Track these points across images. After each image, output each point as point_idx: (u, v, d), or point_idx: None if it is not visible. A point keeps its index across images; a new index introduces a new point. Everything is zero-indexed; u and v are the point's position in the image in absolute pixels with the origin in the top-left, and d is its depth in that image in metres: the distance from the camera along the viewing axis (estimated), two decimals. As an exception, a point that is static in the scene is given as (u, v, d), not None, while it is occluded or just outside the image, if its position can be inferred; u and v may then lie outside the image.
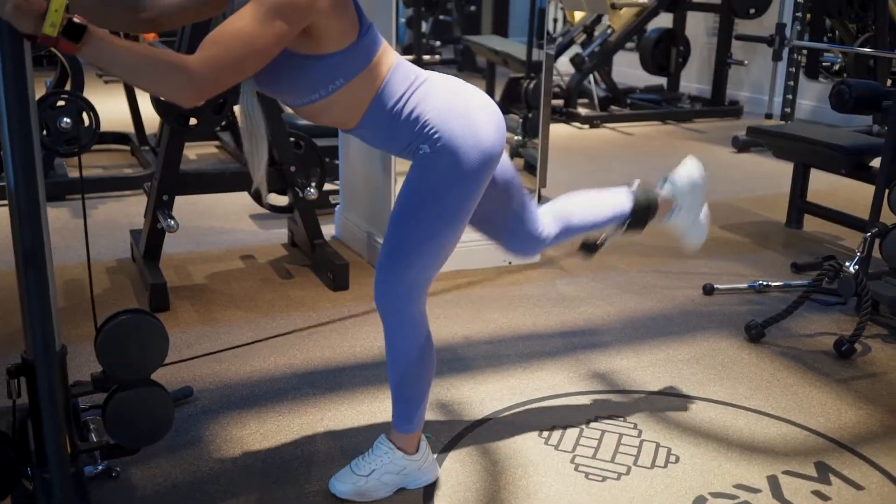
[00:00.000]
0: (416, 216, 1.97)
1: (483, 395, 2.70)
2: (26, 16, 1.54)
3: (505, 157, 2.15)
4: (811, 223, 4.51)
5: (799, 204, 4.46)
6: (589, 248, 2.59)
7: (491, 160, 1.98)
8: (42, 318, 1.76)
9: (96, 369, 2.07)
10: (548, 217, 2.34)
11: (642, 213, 2.44)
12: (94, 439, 2.19)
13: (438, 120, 1.93)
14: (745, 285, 3.62)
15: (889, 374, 2.91)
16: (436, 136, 1.92)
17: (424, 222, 1.97)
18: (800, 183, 4.43)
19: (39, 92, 3.13)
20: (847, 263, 3.13)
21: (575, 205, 2.41)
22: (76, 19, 1.56)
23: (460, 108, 1.96)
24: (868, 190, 3.55)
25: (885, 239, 3.13)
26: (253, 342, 2.99)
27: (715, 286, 3.58)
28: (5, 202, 2.09)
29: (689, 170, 2.53)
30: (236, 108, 4.98)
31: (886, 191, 3.24)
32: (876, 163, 3.69)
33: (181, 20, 2.05)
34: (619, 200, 2.44)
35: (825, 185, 4.87)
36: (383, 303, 2.05)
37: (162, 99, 3.33)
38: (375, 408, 2.60)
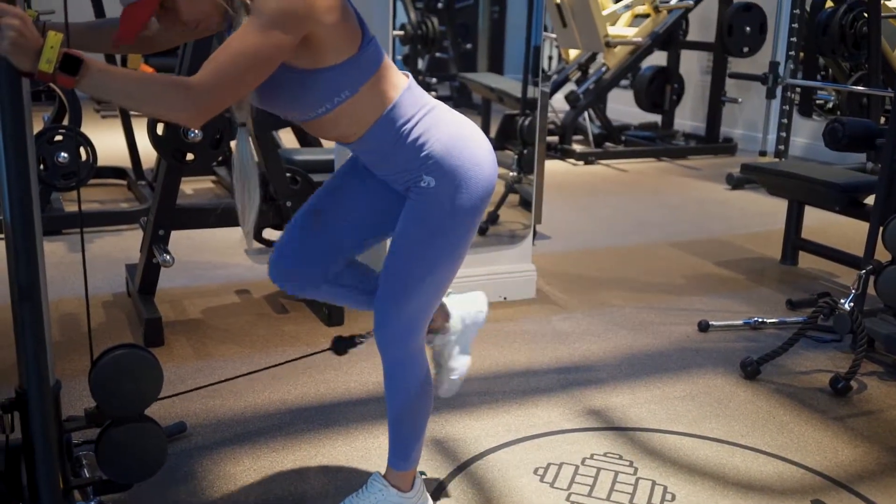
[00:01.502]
0: (417, 250, 1.96)
1: (478, 432, 2.68)
2: (23, 53, 1.54)
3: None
4: (806, 260, 4.52)
5: (793, 241, 4.48)
6: (339, 345, 2.45)
7: (489, 195, 1.99)
8: (36, 353, 1.76)
9: (90, 404, 2.06)
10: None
11: None
12: (87, 475, 2.18)
13: (444, 152, 1.92)
14: (740, 322, 3.62)
15: (885, 412, 2.90)
16: (440, 168, 1.91)
17: (426, 256, 1.96)
18: (794, 220, 4.44)
19: (37, 126, 3.14)
20: (842, 300, 3.13)
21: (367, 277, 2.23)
22: (72, 53, 1.56)
23: (465, 142, 1.95)
24: (862, 227, 3.56)
25: (879, 276, 3.13)
26: (247, 374, 2.98)
27: (710, 323, 3.59)
28: (2, 236, 2.09)
29: (476, 301, 2.44)
30: (233, 144, 5.00)
31: (881, 228, 3.25)
32: (870, 200, 3.71)
33: (179, 37, 2.05)
34: None
35: (819, 222, 4.89)
36: (383, 337, 2.04)
37: (159, 134, 3.34)
38: (370, 444, 2.59)
